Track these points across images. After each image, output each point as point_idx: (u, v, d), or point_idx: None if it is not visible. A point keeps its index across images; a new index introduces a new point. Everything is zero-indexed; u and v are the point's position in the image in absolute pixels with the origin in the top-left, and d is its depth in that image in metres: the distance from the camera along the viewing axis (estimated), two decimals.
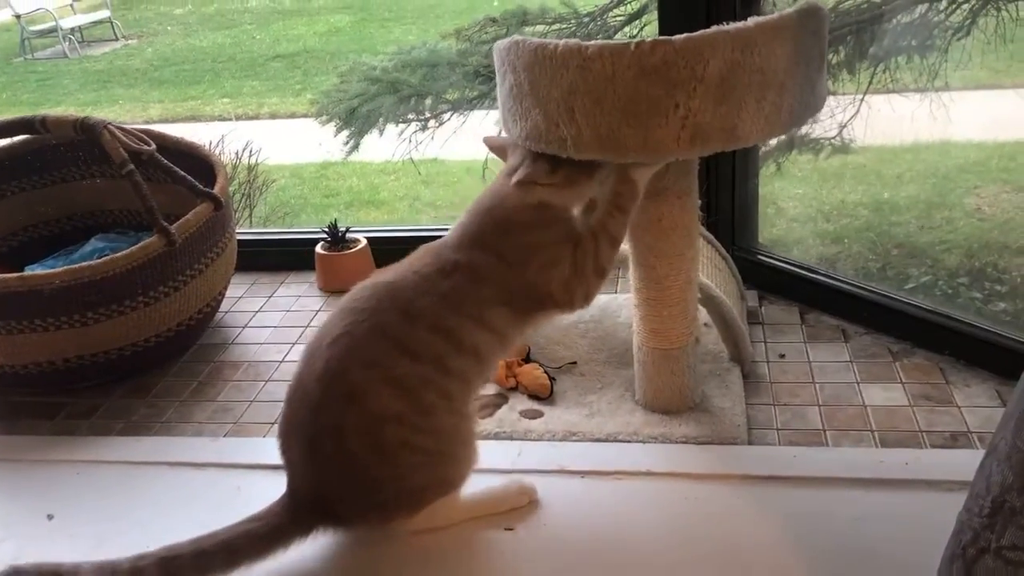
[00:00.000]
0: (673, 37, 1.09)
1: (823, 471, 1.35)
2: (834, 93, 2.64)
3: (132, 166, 1.59)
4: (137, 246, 1.56)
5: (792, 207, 2.82)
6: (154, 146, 1.63)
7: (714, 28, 1.11)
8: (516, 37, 1.19)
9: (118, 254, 1.55)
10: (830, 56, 2.56)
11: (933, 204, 2.92)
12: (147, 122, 5.98)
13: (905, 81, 2.56)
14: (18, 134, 1.71)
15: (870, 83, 2.72)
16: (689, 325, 1.43)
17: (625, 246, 1.38)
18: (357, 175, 4.77)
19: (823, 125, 2.60)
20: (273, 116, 5.98)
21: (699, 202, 1.38)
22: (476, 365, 1.20)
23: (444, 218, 4.18)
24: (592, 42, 1.13)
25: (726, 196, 1.81)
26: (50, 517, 1.37)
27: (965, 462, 0.96)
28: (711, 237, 1.70)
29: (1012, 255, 2.62)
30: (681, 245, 1.36)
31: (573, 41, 1.13)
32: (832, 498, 1.30)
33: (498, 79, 1.27)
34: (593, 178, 1.23)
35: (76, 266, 1.53)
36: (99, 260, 1.54)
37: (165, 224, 1.57)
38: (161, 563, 1.11)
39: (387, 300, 1.17)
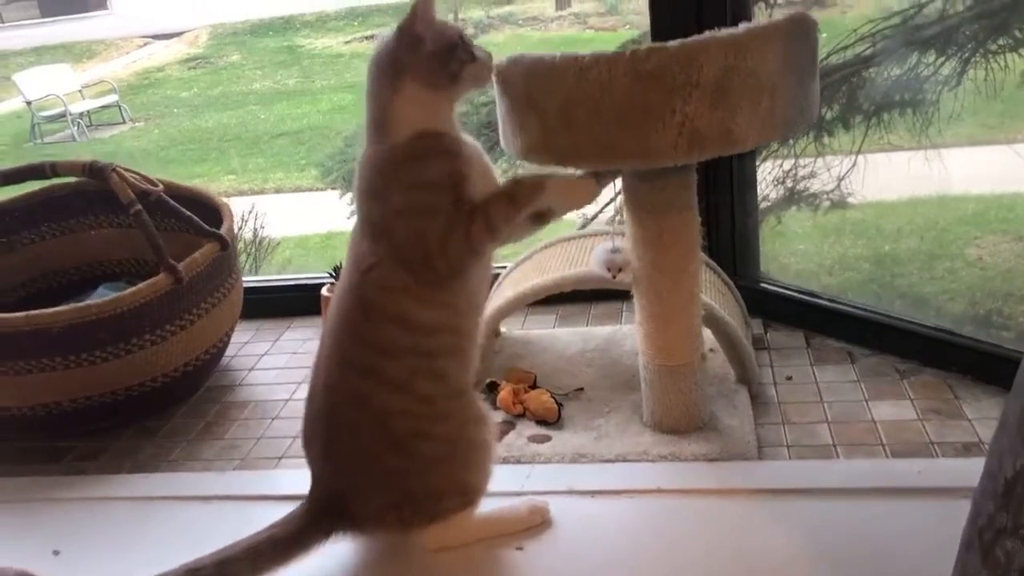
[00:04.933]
0: (668, 43, 1.13)
1: (835, 482, 1.34)
2: (830, 151, 2.69)
3: (140, 206, 1.61)
4: (145, 283, 1.58)
5: (795, 263, 2.84)
6: (161, 187, 1.66)
7: (707, 34, 1.14)
8: (514, 54, 1.23)
9: (124, 292, 1.56)
10: (824, 112, 2.62)
11: (934, 256, 2.93)
12: None
13: (900, 135, 2.61)
14: (29, 180, 1.74)
15: (864, 137, 2.76)
16: (694, 341, 1.43)
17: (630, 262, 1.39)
18: None
19: (821, 179, 2.65)
20: (278, 190, 6.06)
21: (699, 218, 1.39)
22: (447, 336, 1.19)
23: None
24: (587, 53, 1.16)
25: (726, 228, 1.83)
26: (56, 553, 1.36)
27: (979, 469, 0.92)
28: (714, 264, 1.72)
29: (1016, 302, 2.62)
30: (683, 260, 1.37)
31: (570, 53, 1.16)
32: (845, 508, 1.28)
33: (497, 97, 1.30)
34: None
35: (83, 304, 1.54)
36: (107, 298, 1.55)
37: (172, 262, 1.59)
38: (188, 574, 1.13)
39: (350, 303, 1.19)
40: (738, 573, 1.19)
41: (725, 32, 1.14)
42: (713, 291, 1.61)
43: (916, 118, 2.60)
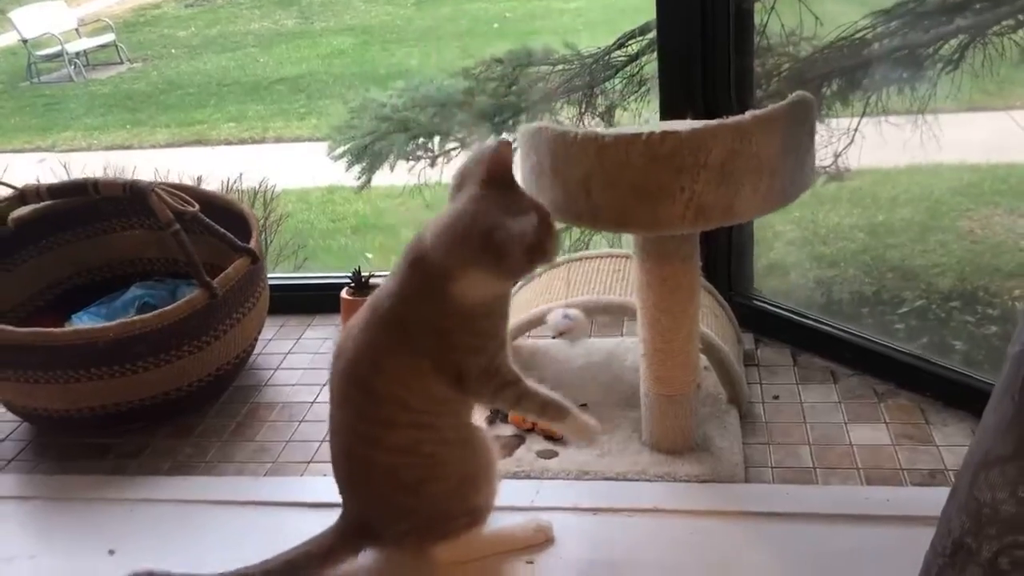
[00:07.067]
0: (680, 129, 1.24)
1: (813, 508, 1.49)
2: (830, 117, 2.75)
3: (178, 226, 1.73)
4: (183, 300, 1.70)
5: (789, 230, 2.92)
6: (197, 207, 1.77)
7: (716, 121, 1.25)
8: (540, 123, 1.34)
9: (166, 308, 1.69)
10: (824, 89, 2.69)
11: (927, 227, 3.01)
12: (154, 147, 6.11)
13: (897, 109, 2.67)
14: (73, 195, 1.85)
15: (864, 112, 2.82)
16: (692, 373, 1.57)
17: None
18: (363, 199, 4.89)
19: (819, 154, 2.71)
20: (278, 140, 6.10)
21: (700, 263, 1.52)
22: (448, 405, 1.32)
23: None
24: (607, 131, 1.27)
25: (723, 244, 1.95)
26: (111, 552, 1.51)
27: (940, 499, 1.06)
28: (710, 287, 1.85)
29: (1003, 278, 2.72)
30: (684, 302, 1.50)
31: (591, 130, 1.28)
32: (821, 533, 1.43)
33: (521, 157, 1.42)
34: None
35: (128, 320, 1.66)
36: (149, 315, 1.67)
37: (209, 280, 1.71)
38: None
39: (352, 368, 1.31)
40: None
41: (732, 119, 1.25)
42: (710, 316, 1.75)
43: (915, 91, 2.67)
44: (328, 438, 1.39)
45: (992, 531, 0.98)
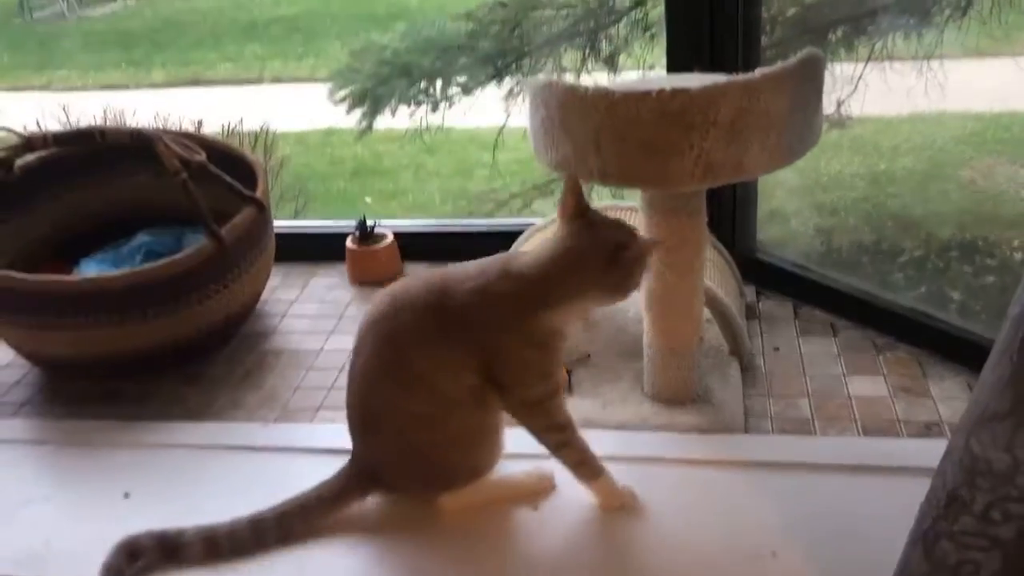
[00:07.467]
0: (690, 87, 1.24)
1: (811, 458, 1.53)
2: (834, 63, 2.73)
3: (185, 175, 1.73)
4: (192, 249, 1.71)
5: (790, 178, 2.92)
6: (204, 155, 1.77)
7: (726, 78, 1.26)
8: (550, 78, 1.34)
9: (175, 257, 1.70)
10: (830, 35, 2.67)
11: (929, 176, 3.01)
12: (151, 86, 6.05)
13: (902, 55, 2.65)
14: (80, 143, 1.85)
15: (869, 59, 2.80)
16: (695, 326, 1.60)
17: None
18: (362, 143, 4.86)
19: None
20: (276, 80, 6.03)
21: (706, 219, 1.53)
22: (478, 397, 1.34)
23: (449, 188, 4.28)
24: (617, 85, 1.28)
25: (727, 200, 1.96)
26: (126, 495, 1.54)
27: (936, 450, 1.09)
28: (714, 240, 1.86)
29: (1003, 228, 2.73)
30: (690, 258, 1.52)
31: (601, 86, 1.28)
32: (819, 482, 1.47)
33: (530, 110, 1.42)
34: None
35: (138, 268, 1.68)
36: (159, 263, 1.69)
37: (217, 229, 1.72)
38: (251, 525, 1.34)
39: (393, 332, 1.32)
40: (724, 537, 1.37)
41: (742, 77, 1.26)
42: (713, 269, 1.77)
43: (921, 38, 2.65)
44: (348, 377, 1.40)
45: (986, 484, 1.01)
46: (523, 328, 1.28)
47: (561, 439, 1.37)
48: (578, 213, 1.27)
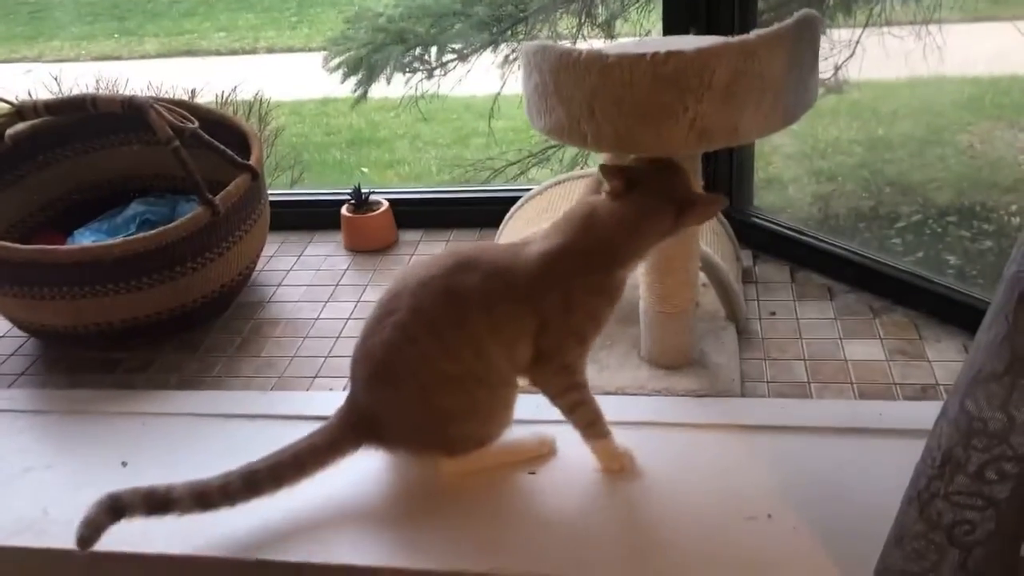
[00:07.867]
0: (685, 49, 1.23)
1: (807, 421, 1.53)
2: (832, 27, 2.70)
3: (178, 142, 1.72)
4: (186, 218, 1.71)
5: (788, 144, 2.91)
6: (196, 123, 1.76)
7: (721, 40, 1.24)
8: (543, 42, 1.33)
9: (169, 226, 1.69)
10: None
11: (927, 141, 3.00)
12: (144, 57, 6.00)
13: (900, 19, 2.63)
14: (71, 112, 1.84)
15: (867, 23, 2.78)
16: (691, 291, 1.59)
17: None
18: (357, 112, 4.83)
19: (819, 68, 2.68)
20: (270, 50, 5.98)
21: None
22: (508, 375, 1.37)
23: (445, 157, 4.26)
24: (611, 48, 1.26)
25: (723, 164, 1.95)
26: (124, 464, 1.55)
27: (931, 412, 1.10)
28: None
29: (1001, 193, 2.73)
30: None
31: (594, 49, 1.27)
32: (815, 445, 1.48)
33: (523, 75, 1.41)
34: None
35: (133, 237, 1.68)
36: (153, 232, 1.69)
37: (211, 197, 1.72)
38: (244, 476, 1.32)
39: (450, 287, 1.31)
40: (720, 500, 1.38)
41: (737, 39, 1.24)
42: (710, 233, 1.76)
43: (919, 2, 2.63)
44: (366, 325, 1.38)
45: (980, 443, 1.02)
46: (601, 284, 1.33)
47: (578, 398, 1.39)
48: (630, 188, 1.29)
